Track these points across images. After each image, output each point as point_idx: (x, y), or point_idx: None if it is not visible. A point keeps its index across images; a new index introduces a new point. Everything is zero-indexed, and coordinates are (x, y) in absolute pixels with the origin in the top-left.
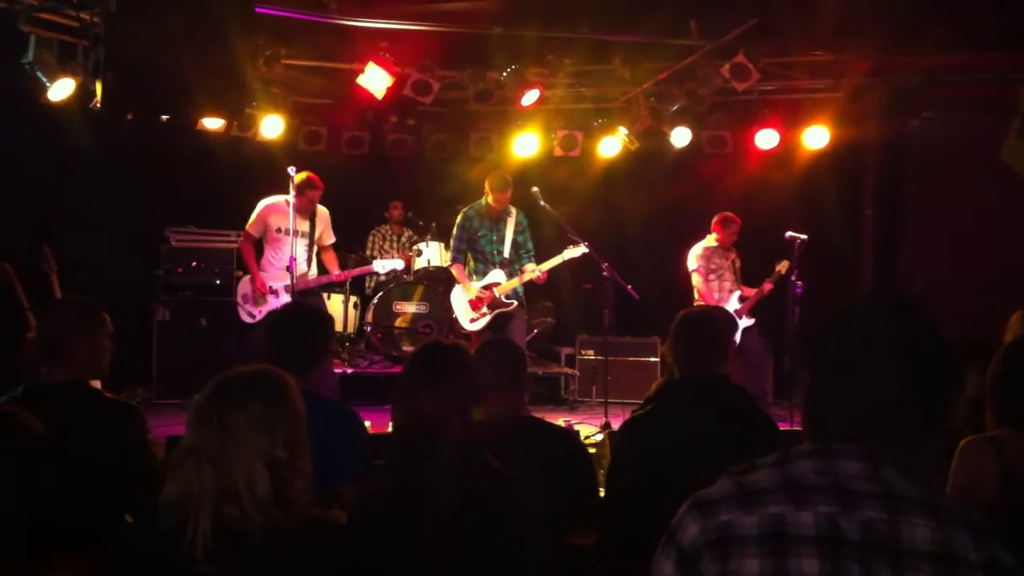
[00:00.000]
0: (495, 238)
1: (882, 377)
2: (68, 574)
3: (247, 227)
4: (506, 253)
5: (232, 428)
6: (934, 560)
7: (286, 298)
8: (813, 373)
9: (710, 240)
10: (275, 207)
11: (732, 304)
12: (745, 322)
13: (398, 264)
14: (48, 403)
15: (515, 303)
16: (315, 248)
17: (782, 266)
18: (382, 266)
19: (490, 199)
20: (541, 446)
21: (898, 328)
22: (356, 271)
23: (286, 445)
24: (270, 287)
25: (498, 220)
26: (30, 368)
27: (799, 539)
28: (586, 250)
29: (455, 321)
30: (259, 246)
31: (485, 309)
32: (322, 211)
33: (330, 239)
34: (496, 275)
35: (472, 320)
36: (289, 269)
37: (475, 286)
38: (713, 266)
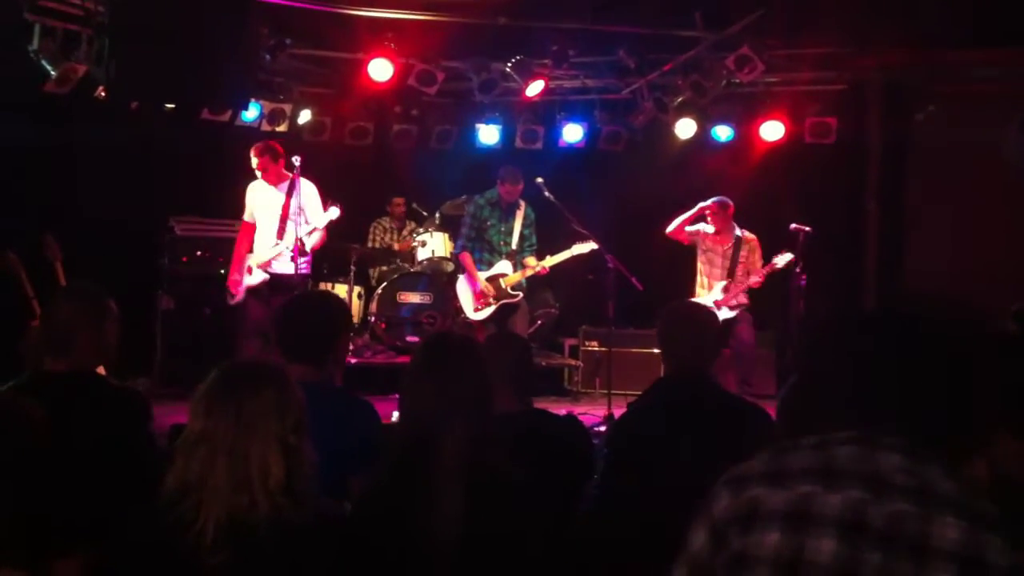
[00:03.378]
0: (503, 229)
1: (922, 378)
2: (72, 565)
3: (246, 216)
4: (514, 245)
5: (247, 415)
6: (960, 562)
7: (259, 274)
8: (846, 363)
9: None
10: (255, 185)
11: (715, 294)
12: (723, 314)
13: (333, 213)
14: (52, 391)
15: (520, 295)
16: (289, 223)
17: (781, 260)
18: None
19: (501, 191)
20: (546, 439)
21: (932, 333)
22: (307, 237)
23: (295, 431)
24: (247, 266)
25: (508, 212)
26: (34, 357)
27: (822, 519)
28: (595, 246)
29: (459, 310)
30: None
31: (490, 300)
32: (306, 185)
33: (316, 220)
34: (503, 266)
35: (476, 310)
36: (296, 252)
37: (483, 276)
38: (705, 247)
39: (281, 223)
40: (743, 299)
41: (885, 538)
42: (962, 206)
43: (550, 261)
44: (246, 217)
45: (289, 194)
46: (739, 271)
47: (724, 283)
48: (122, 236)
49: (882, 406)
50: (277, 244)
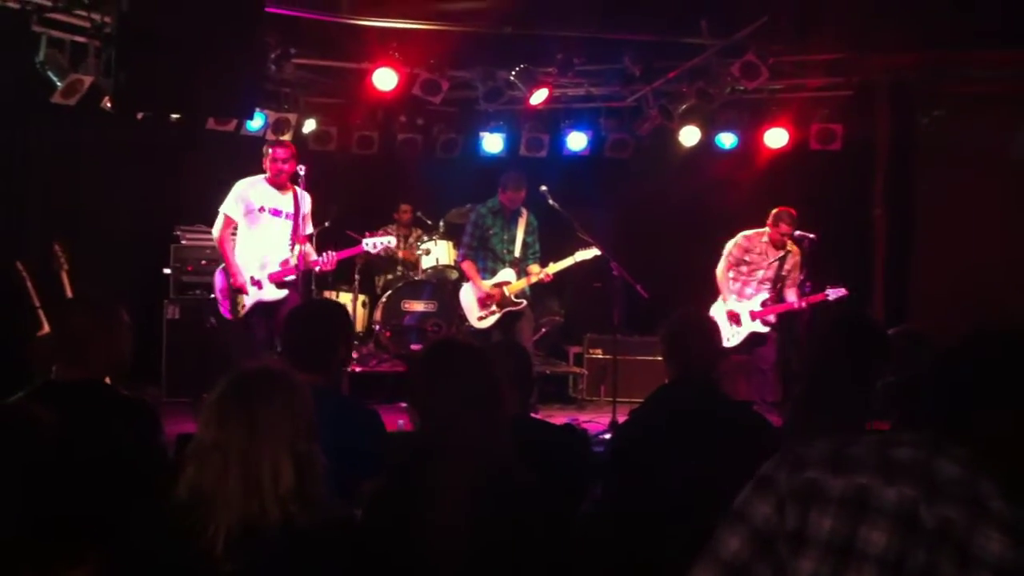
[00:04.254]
0: (506, 237)
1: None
2: (82, 573)
3: (223, 209)
4: (516, 253)
5: (260, 422)
6: (1000, 574)
7: (272, 288)
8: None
9: (763, 232)
10: (253, 183)
11: (752, 304)
12: (754, 327)
13: (390, 240)
14: (63, 401)
15: (524, 302)
16: (298, 232)
17: (833, 294)
18: (372, 244)
19: (503, 198)
20: (541, 447)
21: None
22: (345, 253)
23: (305, 436)
24: (251, 277)
25: (510, 220)
26: (43, 366)
27: (877, 511)
28: (598, 252)
29: (463, 319)
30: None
31: (494, 307)
32: (304, 195)
33: (308, 229)
34: (507, 274)
35: (480, 318)
36: (299, 266)
37: (487, 283)
38: (748, 258)
39: (294, 237)
40: (773, 319)
41: (933, 539)
42: (970, 209)
43: (553, 268)
44: (233, 214)
45: (296, 205)
46: (779, 286)
47: (766, 296)
48: (128, 245)
49: (950, 418)
50: (289, 258)
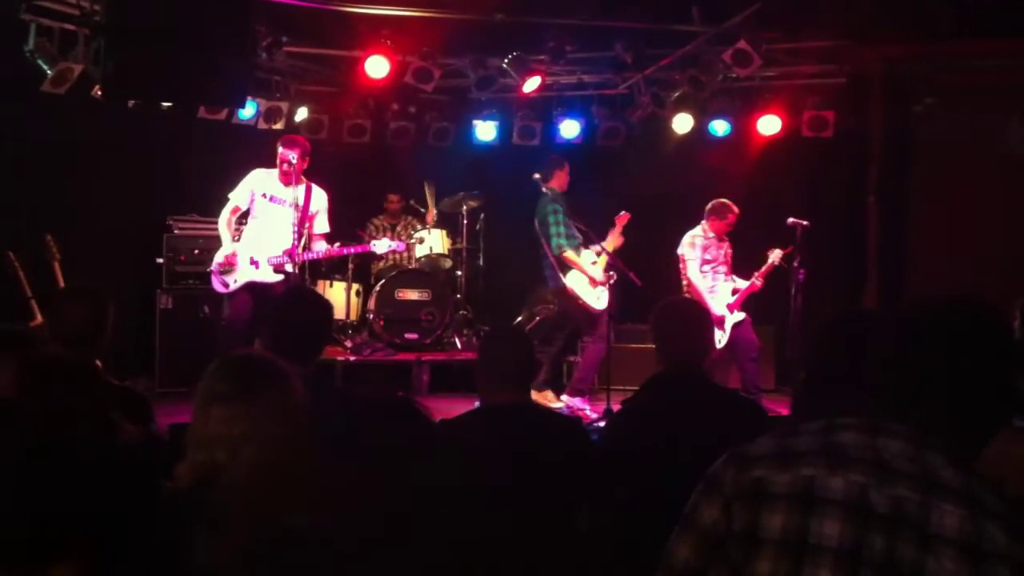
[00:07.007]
0: (572, 221)
1: (955, 373)
2: (70, 569)
3: (231, 195)
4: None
5: (256, 411)
6: (960, 548)
7: (268, 271)
8: (882, 358)
9: (705, 228)
10: (262, 173)
11: (726, 298)
12: (737, 316)
13: (398, 245)
14: (56, 390)
15: (614, 274)
16: (304, 224)
17: (775, 257)
18: (381, 246)
19: (556, 182)
20: (546, 436)
21: (972, 327)
22: (352, 248)
23: (299, 426)
24: (251, 257)
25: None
26: None
27: (826, 501)
28: (627, 215)
29: (584, 307)
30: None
31: (602, 284)
32: (319, 192)
33: (325, 227)
34: (588, 255)
35: (598, 298)
36: (292, 254)
37: (594, 267)
38: (708, 256)
39: (299, 228)
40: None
41: (888, 522)
42: (962, 198)
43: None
44: (239, 202)
45: (308, 199)
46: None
47: (731, 285)
48: (120, 235)
49: (892, 397)
50: (294, 247)
